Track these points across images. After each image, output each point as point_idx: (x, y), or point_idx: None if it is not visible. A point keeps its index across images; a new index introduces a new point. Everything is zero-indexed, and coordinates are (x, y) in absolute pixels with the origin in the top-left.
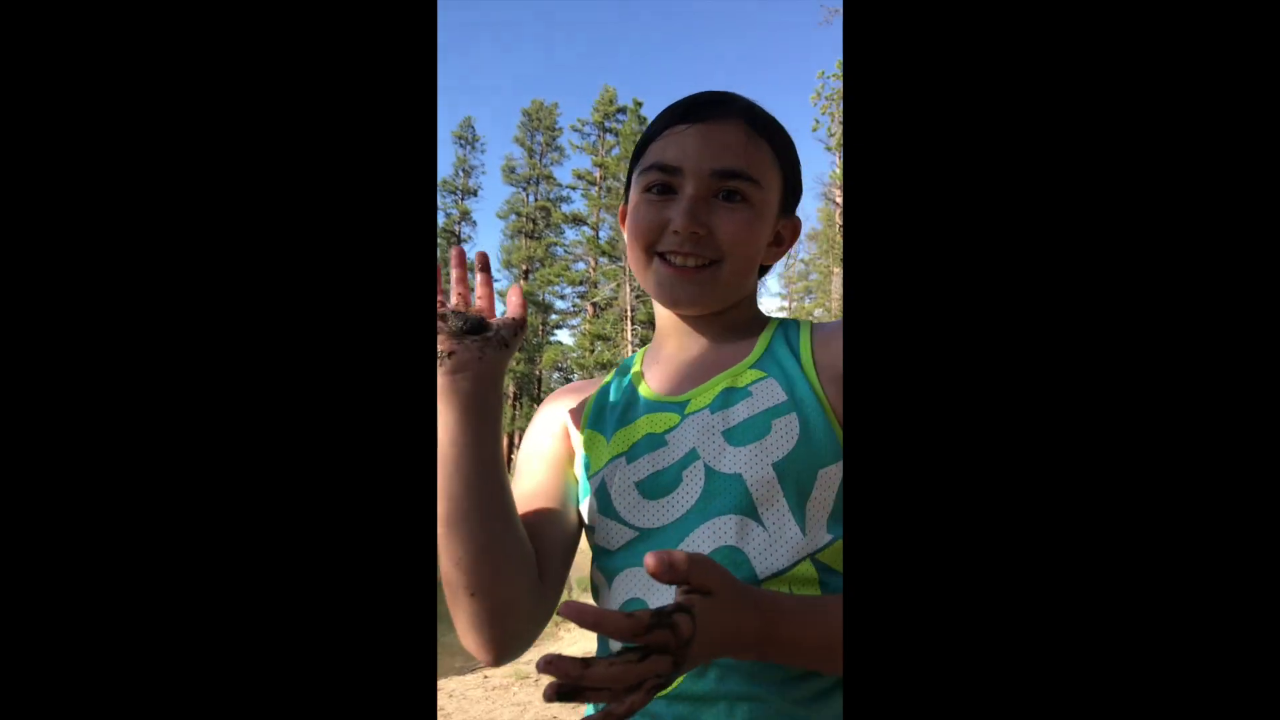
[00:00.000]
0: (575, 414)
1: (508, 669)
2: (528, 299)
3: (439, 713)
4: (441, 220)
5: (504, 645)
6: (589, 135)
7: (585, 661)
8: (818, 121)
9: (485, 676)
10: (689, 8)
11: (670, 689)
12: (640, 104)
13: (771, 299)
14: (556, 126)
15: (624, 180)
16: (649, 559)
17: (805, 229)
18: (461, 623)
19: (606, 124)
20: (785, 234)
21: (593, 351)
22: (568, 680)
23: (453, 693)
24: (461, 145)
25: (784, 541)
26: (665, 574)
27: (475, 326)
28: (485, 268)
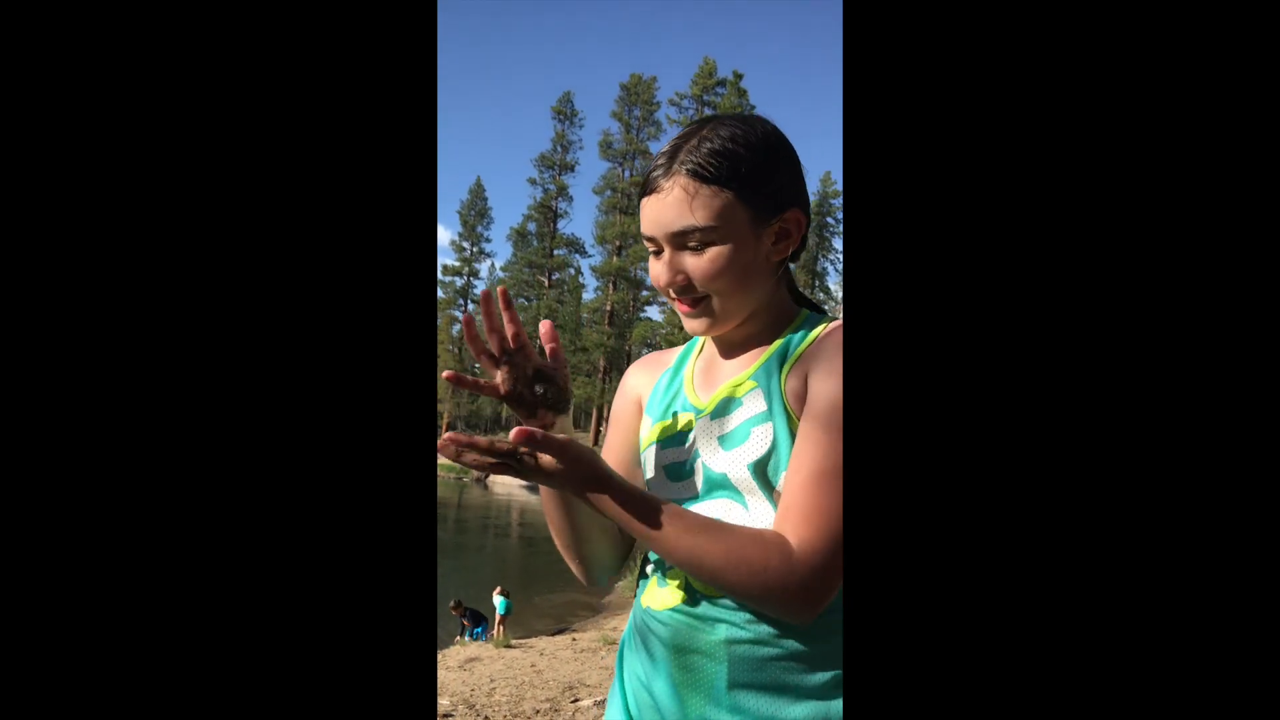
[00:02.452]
0: (645, 394)
1: (594, 634)
2: (620, 275)
3: (533, 669)
4: (539, 196)
5: (595, 580)
6: (687, 109)
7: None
8: None
9: (574, 639)
10: None
11: (670, 606)
12: (740, 76)
13: None
14: (654, 100)
15: None
16: (513, 433)
17: None
18: (571, 566)
19: (705, 98)
20: (789, 227)
21: (682, 328)
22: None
23: (544, 651)
24: (560, 120)
25: (760, 520)
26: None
27: (542, 377)
28: (509, 304)
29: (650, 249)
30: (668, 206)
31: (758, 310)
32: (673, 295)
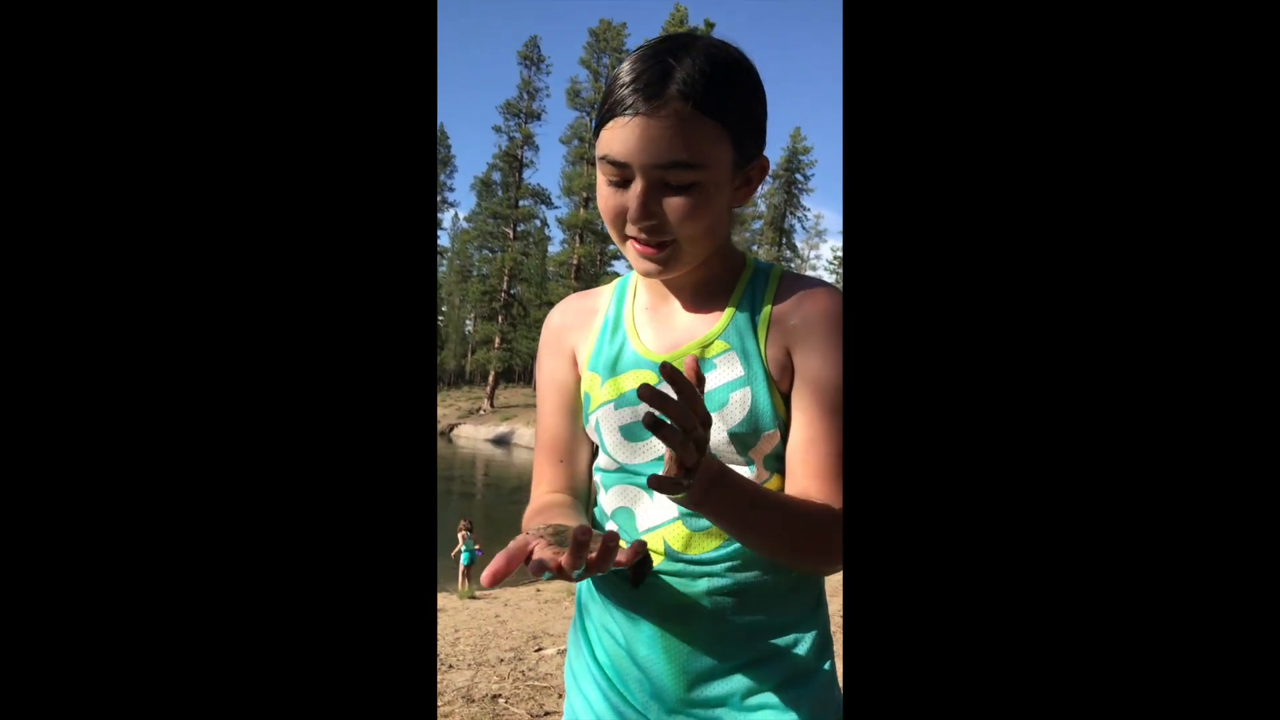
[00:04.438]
0: (581, 347)
1: (559, 585)
2: (587, 228)
3: (497, 620)
4: (505, 144)
5: None
6: None
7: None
8: None
9: (538, 590)
10: None
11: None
12: (712, 25)
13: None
14: (624, 48)
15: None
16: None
17: None
18: None
19: None
20: (753, 175)
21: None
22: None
23: (508, 602)
24: (527, 66)
25: None
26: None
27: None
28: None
29: (610, 176)
30: (658, 134)
31: (711, 256)
32: (634, 233)
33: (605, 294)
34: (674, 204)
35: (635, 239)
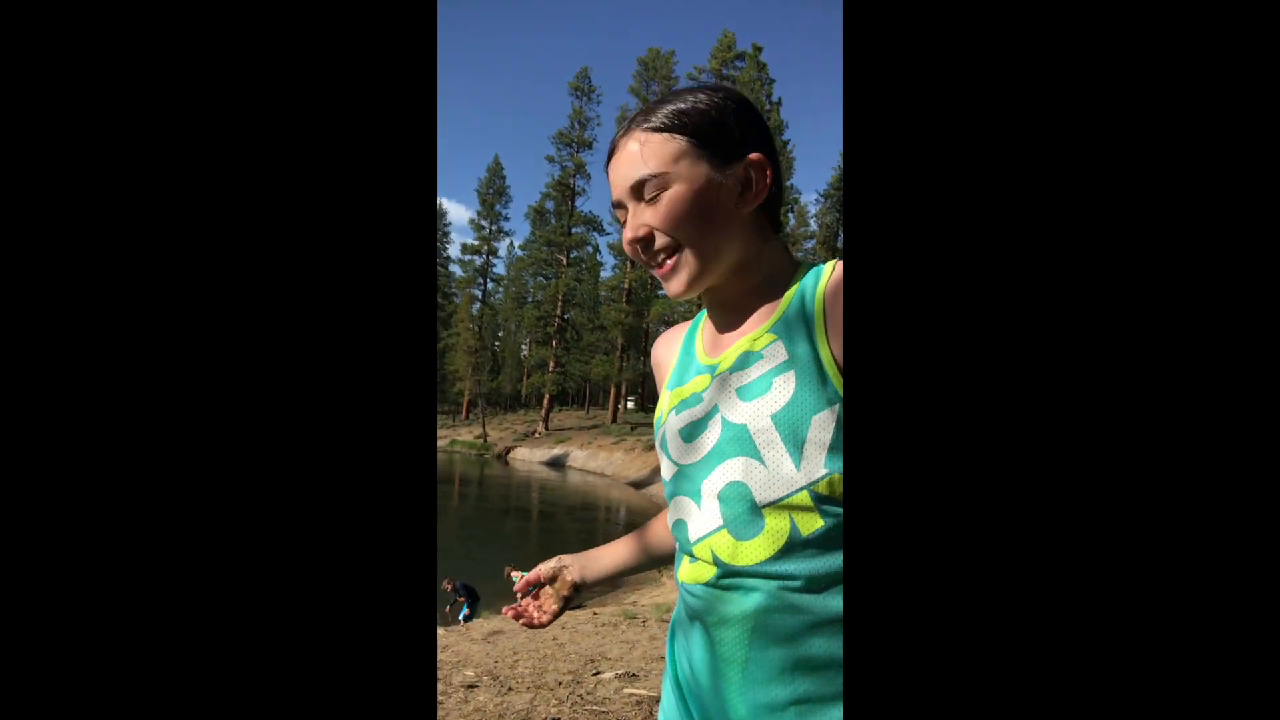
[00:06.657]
0: (666, 372)
1: (614, 609)
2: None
3: (555, 642)
4: (557, 174)
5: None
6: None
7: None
8: None
9: (595, 613)
10: None
11: (703, 580)
12: (760, 49)
13: None
14: (673, 75)
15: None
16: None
17: None
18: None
19: (724, 71)
20: (751, 174)
21: (700, 305)
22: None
23: (565, 625)
24: (578, 97)
25: (781, 477)
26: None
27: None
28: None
29: (620, 218)
30: (623, 163)
31: (744, 265)
32: (644, 257)
33: (691, 323)
34: (650, 213)
35: (649, 263)
